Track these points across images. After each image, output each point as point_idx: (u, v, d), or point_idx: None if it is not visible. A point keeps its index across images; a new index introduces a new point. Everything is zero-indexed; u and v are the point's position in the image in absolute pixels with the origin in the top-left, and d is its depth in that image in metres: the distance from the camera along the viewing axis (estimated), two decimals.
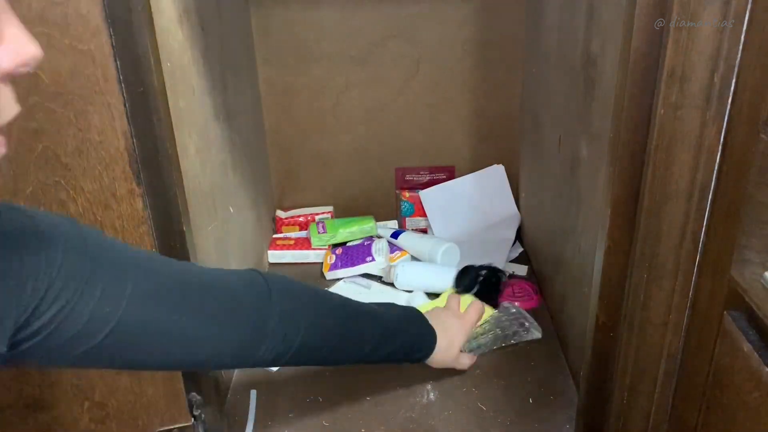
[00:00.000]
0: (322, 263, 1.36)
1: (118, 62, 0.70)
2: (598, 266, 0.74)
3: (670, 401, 0.73)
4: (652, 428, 0.75)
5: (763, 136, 0.51)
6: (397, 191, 1.50)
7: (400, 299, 1.23)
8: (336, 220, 1.46)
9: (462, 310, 1.05)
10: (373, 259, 1.31)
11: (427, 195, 1.46)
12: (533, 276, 1.32)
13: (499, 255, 1.34)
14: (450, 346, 0.98)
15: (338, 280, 1.31)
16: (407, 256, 1.35)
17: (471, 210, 1.46)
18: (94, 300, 0.57)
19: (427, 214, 1.45)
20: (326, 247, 1.40)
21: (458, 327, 1.01)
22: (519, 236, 1.43)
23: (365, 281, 1.30)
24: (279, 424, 0.96)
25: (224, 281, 0.72)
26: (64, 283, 0.55)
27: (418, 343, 0.95)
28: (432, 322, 0.96)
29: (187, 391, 0.88)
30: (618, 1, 0.70)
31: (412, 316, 0.95)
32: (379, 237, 1.42)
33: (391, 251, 1.36)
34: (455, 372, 1.04)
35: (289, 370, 1.07)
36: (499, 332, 1.07)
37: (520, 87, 1.39)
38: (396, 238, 1.39)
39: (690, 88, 0.59)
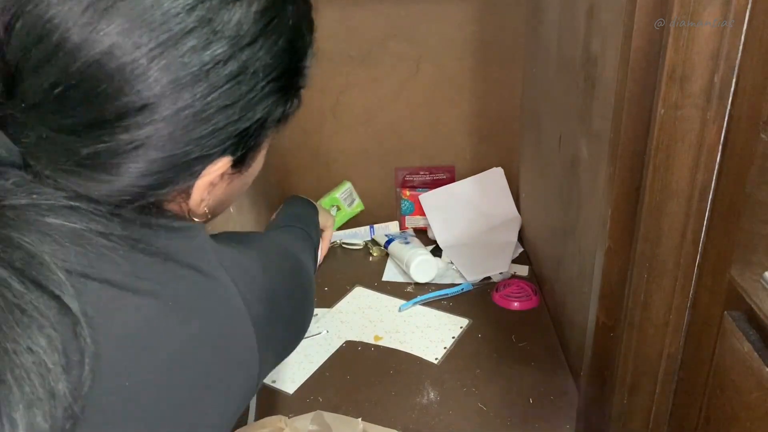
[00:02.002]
0: None
1: None
2: (598, 266, 0.74)
3: (670, 401, 0.73)
4: (653, 428, 0.75)
5: (763, 136, 0.51)
6: (398, 189, 1.50)
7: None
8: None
9: None
10: None
11: (426, 198, 1.46)
12: (533, 276, 1.32)
13: (503, 258, 1.34)
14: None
15: None
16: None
17: (471, 213, 1.46)
18: None
19: (427, 218, 1.45)
20: None
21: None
22: (519, 236, 1.43)
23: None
24: None
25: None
26: None
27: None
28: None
29: None
30: (618, 1, 0.70)
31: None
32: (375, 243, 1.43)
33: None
34: (455, 372, 1.04)
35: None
36: None
37: (521, 87, 1.39)
38: (387, 247, 1.40)
39: (690, 88, 0.59)
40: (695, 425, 0.65)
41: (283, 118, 0.52)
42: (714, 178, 0.61)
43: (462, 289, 1.27)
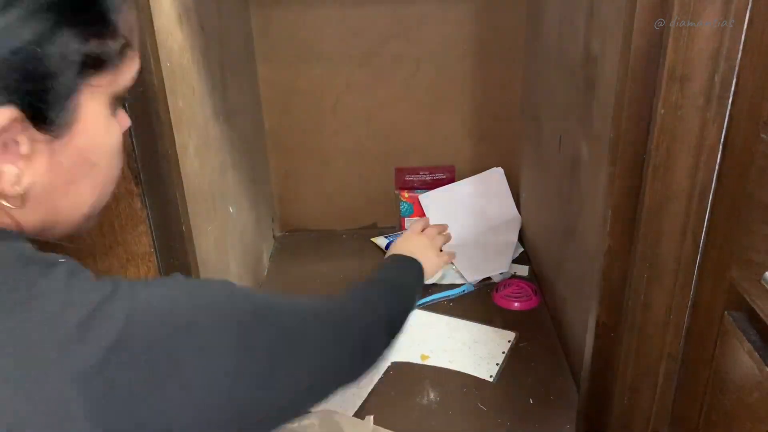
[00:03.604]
0: None
1: None
2: (599, 266, 0.74)
3: (670, 401, 0.72)
4: (653, 429, 0.75)
5: (763, 135, 0.51)
6: (396, 191, 1.50)
7: None
8: None
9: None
10: None
11: (426, 198, 1.46)
12: (533, 276, 1.31)
13: (503, 258, 1.34)
14: (428, 260, 0.97)
15: None
16: None
17: (471, 213, 1.46)
18: None
19: (427, 218, 1.45)
20: None
21: (418, 240, 1.03)
22: (519, 236, 1.43)
23: None
24: None
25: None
26: None
27: (417, 277, 0.93)
28: (405, 250, 0.96)
29: None
30: (618, 1, 0.70)
31: (400, 262, 0.94)
32: None
33: None
34: (455, 372, 1.04)
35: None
36: None
37: (521, 86, 1.39)
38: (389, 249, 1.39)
39: (690, 88, 0.59)
40: (695, 425, 0.65)
41: (89, 63, 0.43)
42: (714, 178, 0.61)
43: (464, 291, 1.27)
